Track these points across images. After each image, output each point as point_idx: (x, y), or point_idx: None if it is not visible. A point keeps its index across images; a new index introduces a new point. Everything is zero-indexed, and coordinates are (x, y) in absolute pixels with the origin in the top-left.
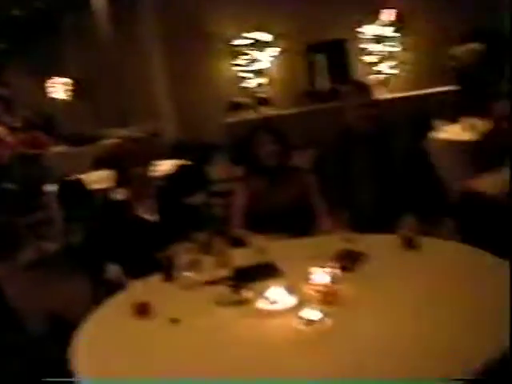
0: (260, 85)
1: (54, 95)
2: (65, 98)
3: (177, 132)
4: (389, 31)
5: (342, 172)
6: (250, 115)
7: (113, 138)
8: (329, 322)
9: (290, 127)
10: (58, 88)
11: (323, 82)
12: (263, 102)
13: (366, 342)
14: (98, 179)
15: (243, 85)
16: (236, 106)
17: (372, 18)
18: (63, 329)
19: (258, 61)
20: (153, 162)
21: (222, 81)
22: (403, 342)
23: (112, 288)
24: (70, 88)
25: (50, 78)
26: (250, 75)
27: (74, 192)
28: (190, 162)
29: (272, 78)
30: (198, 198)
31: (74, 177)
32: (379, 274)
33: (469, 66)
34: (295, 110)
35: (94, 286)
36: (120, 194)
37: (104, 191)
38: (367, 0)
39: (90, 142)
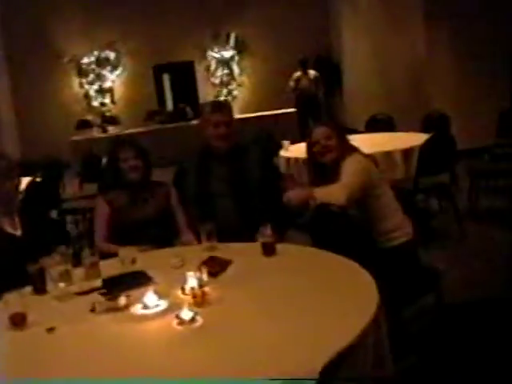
0: (106, 103)
1: None
2: None
3: (20, 150)
4: (231, 55)
5: (203, 186)
6: (97, 133)
7: None
8: (200, 320)
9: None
10: None
11: (170, 102)
12: (110, 120)
13: (233, 336)
14: None
15: (91, 103)
16: (84, 124)
17: (218, 41)
18: None
19: (105, 79)
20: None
21: (70, 99)
22: (265, 337)
23: None
24: None
25: None
26: (97, 94)
27: None
28: (39, 179)
29: (119, 96)
30: (52, 215)
31: None
32: (243, 277)
33: (308, 90)
34: (142, 129)
35: None
36: None
37: None
38: (214, 23)
39: None
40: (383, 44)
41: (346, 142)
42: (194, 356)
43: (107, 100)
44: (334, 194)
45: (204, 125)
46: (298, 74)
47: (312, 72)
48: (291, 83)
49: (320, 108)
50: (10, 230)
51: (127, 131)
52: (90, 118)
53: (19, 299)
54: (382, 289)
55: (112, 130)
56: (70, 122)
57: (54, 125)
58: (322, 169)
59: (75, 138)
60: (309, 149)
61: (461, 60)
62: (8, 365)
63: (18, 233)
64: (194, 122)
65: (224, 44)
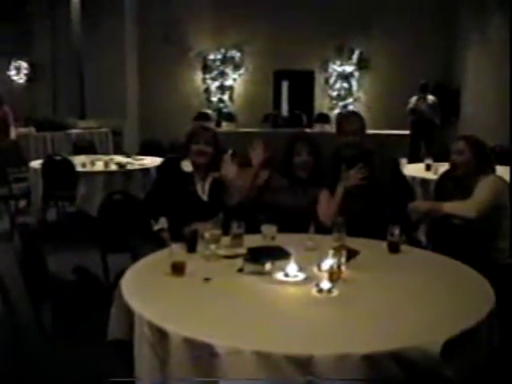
0: (225, 100)
1: (13, 78)
2: (22, 81)
3: (139, 132)
4: (352, 70)
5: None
6: (213, 127)
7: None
8: (336, 292)
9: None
10: (18, 71)
11: (285, 108)
12: (227, 116)
13: (366, 306)
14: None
15: (210, 98)
16: (202, 117)
17: (341, 54)
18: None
19: (227, 77)
20: None
21: (191, 91)
22: (393, 310)
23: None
24: (28, 72)
25: (14, 59)
26: (217, 90)
27: (60, 171)
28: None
29: (237, 95)
30: None
31: (60, 156)
32: (370, 266)
33: (425, 114)
34: (257, 130)
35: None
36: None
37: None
38: (339, 37)
39: (52, 128)
40: (508, 77)
41: (485, 160)
42: (331, 317)
43: (226, 97)
44: (464, 208)
45: (335, 133)
46: (415, 97)
47: (430, 97)
48: (409, 106)
49: (434, 134)
50: (200, 193)
51: (241, 129)
52: (208, 111)
53: (182, 251)
54: None
55: (226, 126)
56: (189, 113)
57: (173, 114)
58: (453, 182)
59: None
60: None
61: None
62: (169, 307)
63: (205, 198)
64: (308, 129)
65: (346, 58)
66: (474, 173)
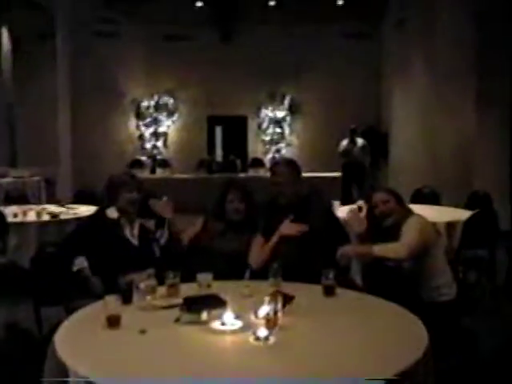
0: (159, 147)
1: None
2: None
3: (73, 181)
4: (284, 115)
5: (272, 233)
6: (147, 174)
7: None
8: (273, 339)
9: (187, 191)
10: None
11: (219, 153)
12: (161, 163)
13: (302, 353)
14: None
15: (144, 144)
16: (136, 164)
17: (273, 100)
18: None
19: (161, 124)
20: None
21: (125, 138)
22: (329, 356)
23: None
24: None
25: None
26: (151, 136)
27: None
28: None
29: (171, 141)
30: None
31: None
32: (306, 310)
33: (355, 157)
34: (191, 176)
35: None
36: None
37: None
38: (271, 83)
39: None
40: (432, 122)
41: (405, 205)
42: (269, 366)
43: (160, 143)
44: (394, 250)
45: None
46: (346, 141)
47: (360, 140)
48: (341, 148)
49: (365, 176)
50: (129, 237)
51: (176, 176)
52: (142, 158)
53: (117, 302)
54: None
55: (161, 172)
56: (123, 160)
57: (107, 161)
58: (382, 230)
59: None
60: (369, 212)
61: (508, 145)
62: (104, 361)
63: (135, 242)
64: (242, 174)
65: (278, 104)
66: (401, 217)
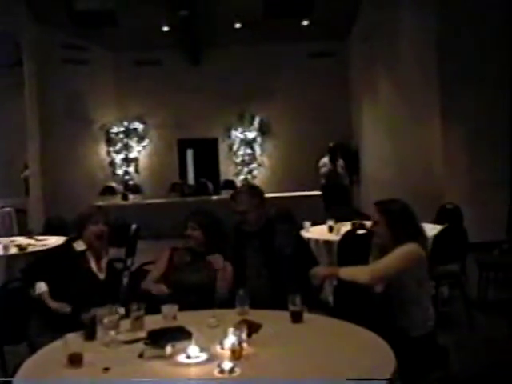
0: (130, 172)
1: None
2: None
3: (44, 209)
4: (254, 136)
5: (239, 260)
6: (120, 200)
7: None
8: (238, 371)
9: (160, 216)
10: None
11: (191, 176)
12: (133, 188)
13: None
14: None
15: (115, 171)
16: (108, 191)
17: (242, 121)
18: None
19: (131, 149)
20: None
21: (96, 165)
22: None
23: None
24: None
25: None
26: (122, 162)
27: None
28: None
29: (143, 166)
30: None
31: None
32: (273, 339)
33: (339, 179)
34: (163, 200)
35: None
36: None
37: None
38: (240, 105)
39: None
40: (401, 137)
41: (402, 229)
42: None
43: (131, 169)
44: (359, 274)
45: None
46: (325, 159)
47: (340, 160)
48: (322, 171)
49: (346, 194)
50: (95, 271)
51: (148, 201)
52: (113, 184)
53: (78, 340)
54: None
55: (133, 198)
56: (95, 187)
57: (78, 189)
58: (379, 249)
59: (98, 203)
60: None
61: (475, 158)
62: None
63: (102, 276)
64: (215, 197)
65: (248, 125)
66: (388, 241)
